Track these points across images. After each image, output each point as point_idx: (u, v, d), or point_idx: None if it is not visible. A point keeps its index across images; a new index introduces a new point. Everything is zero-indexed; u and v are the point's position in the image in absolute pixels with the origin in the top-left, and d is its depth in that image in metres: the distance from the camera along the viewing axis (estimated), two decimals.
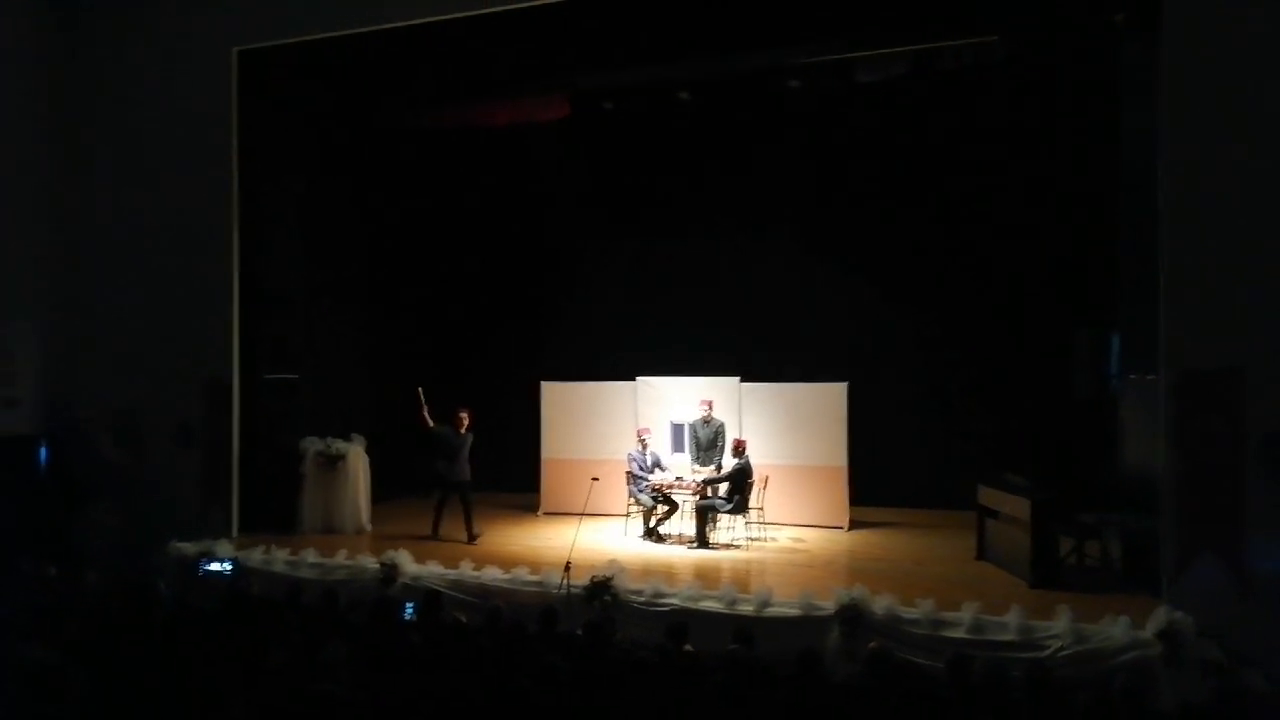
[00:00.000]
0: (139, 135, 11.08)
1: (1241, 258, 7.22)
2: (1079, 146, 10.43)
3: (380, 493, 11.37)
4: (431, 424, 10.20)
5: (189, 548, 9.23)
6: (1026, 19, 9.23)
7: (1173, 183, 7.43)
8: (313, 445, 10.82)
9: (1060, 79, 10.42)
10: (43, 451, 10.83)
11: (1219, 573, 6.95)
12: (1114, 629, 6.53)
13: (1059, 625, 6.65)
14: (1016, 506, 8.40)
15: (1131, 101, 8.42)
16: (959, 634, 6.76)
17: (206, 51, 10.66)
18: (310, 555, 9.01)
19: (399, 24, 9.77)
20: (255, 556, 9.08)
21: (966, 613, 6.87)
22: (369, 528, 10.79)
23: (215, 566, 8.72)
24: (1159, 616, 6.50)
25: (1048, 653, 6.50)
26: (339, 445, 10.83)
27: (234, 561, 8.86)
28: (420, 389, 10.23)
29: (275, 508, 10.61)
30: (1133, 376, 8.37)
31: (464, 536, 9.91)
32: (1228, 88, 7.30)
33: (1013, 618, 6.76)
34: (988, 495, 9.11)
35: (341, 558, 8.91)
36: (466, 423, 10.22)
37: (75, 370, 11.25)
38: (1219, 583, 6.94)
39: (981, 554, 9.19)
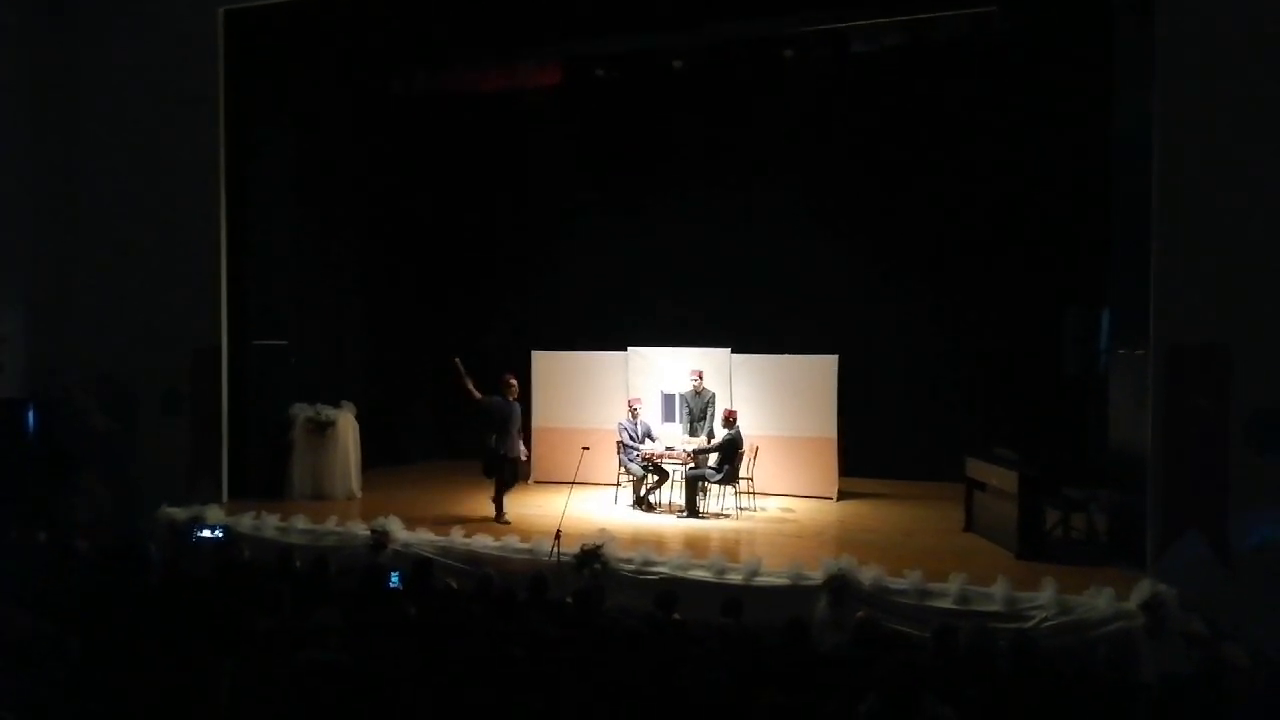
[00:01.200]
0: (125, 98, 10.91)
1: (1231, 235, 7.24)
2: (1072, 121, 10.40)
3: (371, 459, 11.37)
4: (478, 395, 9.55)
5: (179, 513, 9.23)
6: None
7: (1164, 159, 7.42)
8: (302, 411, 10.79)
9: (1054, 53, 10.36)
10: (30, 416, 10.77)
11: (1203, 547, 7.03)
12: (1098, 600, 6.59)
13: (1044, 596, 6.70)
14: (1005, 479, 8.46)
15: (1125, 76, 8.38)
16: (946, 604, 6.81)
17: (192, 12, 10.48)
18: (300, 521, 9.00)
19: None
20: (245, 522, 9.07)
21: (953, 584, 6.93)
22: (359, 494, 10.80)
23: (207, 533, 8.69)
24: (1142, 589, 6.55)
25: (1032, 623, 6.57)
26: (328, 412, 10.80)
27: (225, 528, 8.84)
28: (457, 359, 9.58)
29: (265, 474, 10.61)
30: (1122, 352, 8.40)
31: (493, 511, 9.46)
32: (1221, 64, 7.28)
33: (999, 589, 6.82)
34: (976, 468, 9.17)
35: (332, 524, 8.91)
36: (516, 391, 9.69)
37: (61, 336, 11.16)
38: (1203, 557, 7.02)
39: (969, 526, 9.27)
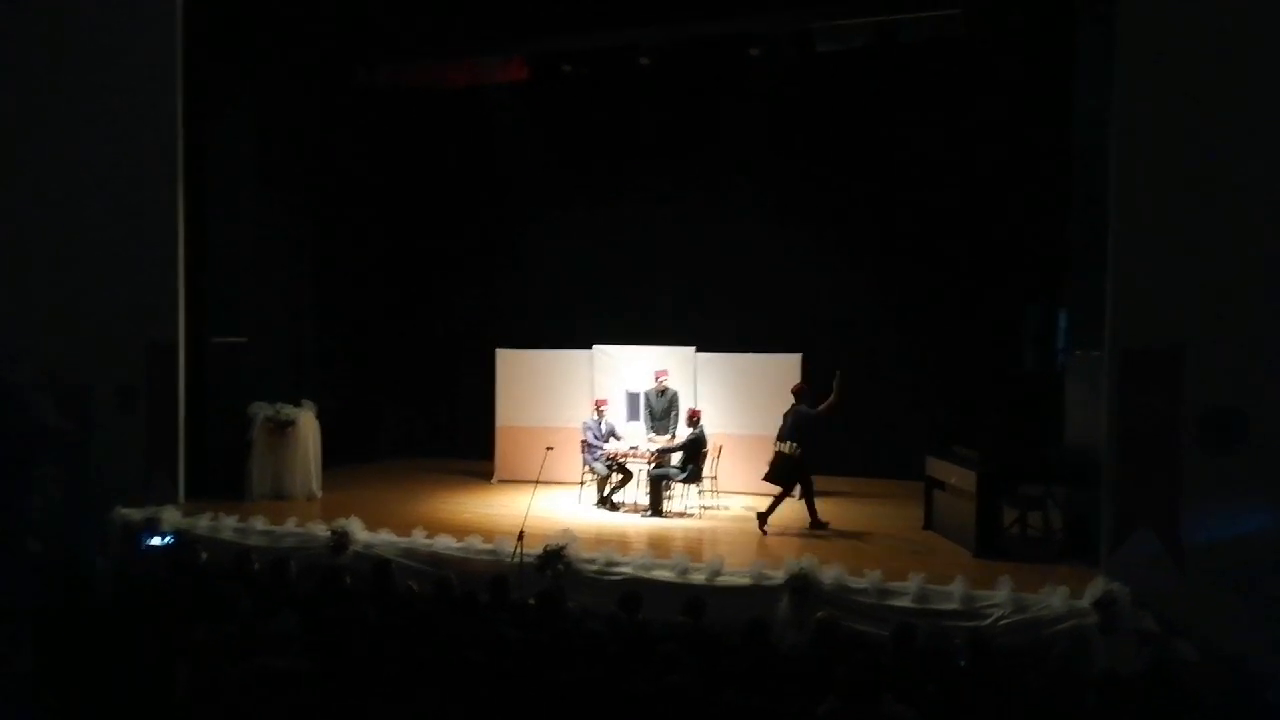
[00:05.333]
0: (79, 83, 10.63)
1: (1186, 239, 7.34)
2: (1033, 123, 10.52)
3: (334, 458, 11.24)
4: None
5: (134, 514, 9.03)
6: None
7: (1122, 162, 7.52)
8: (261, 410, 10.63)
9: (1017, 56, 10.48)
10: None
11: (1155, 545, 7.14)
12: (1053, 598, 6.68)
13: (1000, 595, 6.77)
14: (963, 478, 8.56)
15: (1085, 79, 8.49)
16: (905, 603, 6.86)
17: None
18: (259, 522, 8.86)
19: None
20: (202, 524, 8.91)
21: (912, 583, 6.98)
22: (320, 494, 10.67)
23: (157, 541, 8.49)
24: (1096, 586, 6.65)
25: (989, 621, 6.63)
26: (289, 410, 10.65)
27: (176, 534, 8.65)
28: (840, 370, 9.45)
29: (223, 474, 10.45)
30: (1078, 352, 8.53)
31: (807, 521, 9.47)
32: (1179, 69, 7.38)
33: (956, 587, 6.88)
34: (936, 467, 9.27)
35: (291, 525, 8.78)
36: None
37: (13, 330, 10.89)
38: (1155, 555, 7.13)
39: (928, 524, 9.37)
